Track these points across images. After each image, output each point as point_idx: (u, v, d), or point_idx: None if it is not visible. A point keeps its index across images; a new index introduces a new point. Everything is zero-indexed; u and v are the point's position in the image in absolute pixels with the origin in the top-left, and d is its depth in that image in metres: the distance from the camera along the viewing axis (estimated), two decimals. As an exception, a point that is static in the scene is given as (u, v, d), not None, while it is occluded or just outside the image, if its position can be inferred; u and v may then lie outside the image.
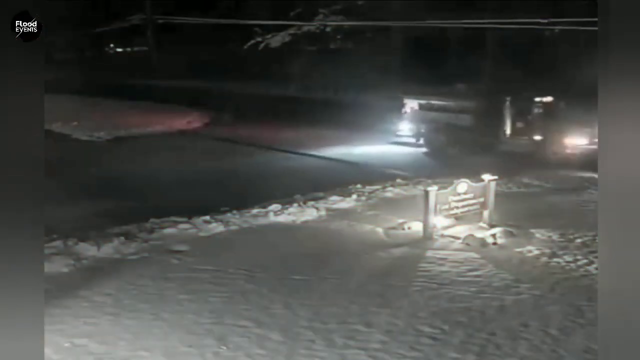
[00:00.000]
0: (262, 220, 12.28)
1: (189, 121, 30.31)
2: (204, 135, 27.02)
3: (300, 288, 8.74)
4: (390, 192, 14.71)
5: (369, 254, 10.36)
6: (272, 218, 12.43)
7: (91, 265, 9.75)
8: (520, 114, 19.98)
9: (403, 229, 11.72)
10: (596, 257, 9.93)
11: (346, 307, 8.10)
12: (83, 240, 10.46)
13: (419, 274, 9.35)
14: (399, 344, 7.12)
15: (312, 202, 13.38)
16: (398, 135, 22.89)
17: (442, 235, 11.22)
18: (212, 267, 9.50)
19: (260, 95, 34.66)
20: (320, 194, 14.19)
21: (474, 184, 11.75)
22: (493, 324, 7.62)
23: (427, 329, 7.47)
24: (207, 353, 6.89)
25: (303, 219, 12.45)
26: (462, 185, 11.59)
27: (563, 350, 7.00)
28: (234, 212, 12.61)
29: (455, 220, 11.78)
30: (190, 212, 12.26)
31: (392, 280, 9.06)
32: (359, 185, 15.08)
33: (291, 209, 12.85)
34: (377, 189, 14.80)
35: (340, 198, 13.87)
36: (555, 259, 10.01)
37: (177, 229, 11.47)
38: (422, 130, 22.13)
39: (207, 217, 12.07)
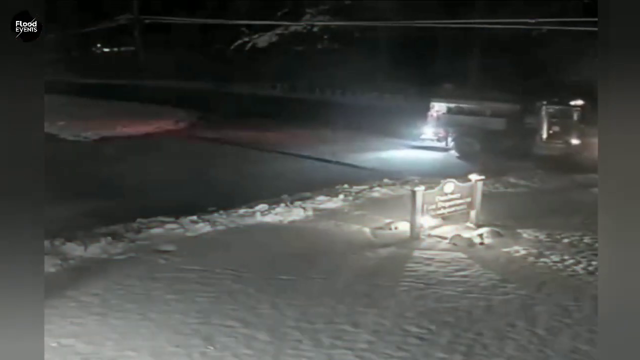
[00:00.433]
0: (249, 220, 12.27)
1: (176, 121, 30.38)
2: (191, 135, 26.96)
3: (287, 288, 8.73)
4: (378, 192, 14.76)
5: (356, 254, 10.36)
6: (259, 218, 12.42)
7: (78, 265, 9.69)
8: (557, 117, 19.96)
9: (390, 229, 11.74)
10: (584, 257, 10.04)
11: (333, 307, 8.10)
12: (70, 240, 10.39)
13: (406, 274, 9.37)
14: (386, 344, 7.13)
15: (299, 202, 13.40)
16: (421, 139, 22.38)
17: (429, 235, 11.25)
18: (199, 267, 9.47)
19: (247, 95, 34.58)
20: (308, 194, 14.20)
21: (460, 184, 11.79)
22: (480, 324, 7.64)
23: (414, 329, 7.48)
24: (194, 353, 6.87)
25: (290, 219, 12.46)
26: (449, 185, 11.62)
27: (550, 350, 7.03)
28: (221, 212, 12.60)
29: (443, 220, 11.81)
30: (178, 212, 12.23)
31: (379, 280, 9.07)
32: (346, 185, 15.10)
33: (278, 209, 12.86)
34: (364, 189, 14.84)
35: (328, 198, 13.90)
36: (543, 259, 10.08)
37: (164, 229, 11.43)
38: (451, 134, 21.72)
39: (194, 217, 12.04)
